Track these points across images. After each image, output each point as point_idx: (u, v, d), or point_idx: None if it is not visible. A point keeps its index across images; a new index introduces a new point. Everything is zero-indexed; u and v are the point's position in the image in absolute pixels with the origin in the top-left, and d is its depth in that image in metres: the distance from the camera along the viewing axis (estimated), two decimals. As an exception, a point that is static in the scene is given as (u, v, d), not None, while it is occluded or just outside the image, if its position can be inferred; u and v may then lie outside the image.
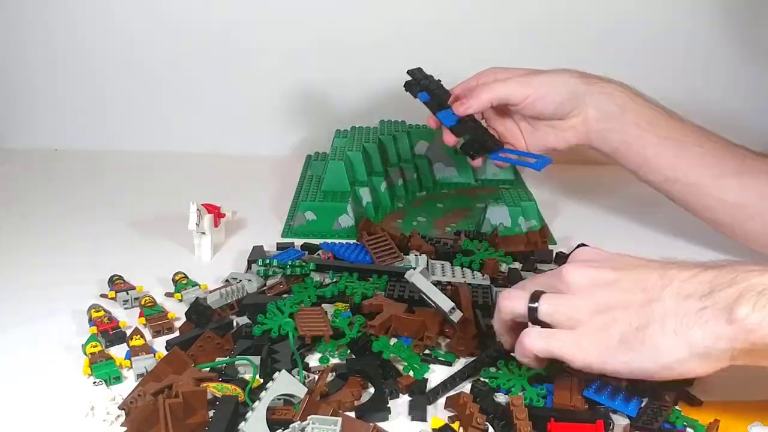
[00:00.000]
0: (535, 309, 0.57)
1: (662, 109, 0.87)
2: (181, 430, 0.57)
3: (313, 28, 1.24)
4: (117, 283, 0.81)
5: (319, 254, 0.87)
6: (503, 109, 0.90)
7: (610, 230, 0.99)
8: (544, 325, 0.57)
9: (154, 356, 0.67)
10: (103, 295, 0.80)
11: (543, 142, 0.89)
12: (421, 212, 1.04)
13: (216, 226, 0.91)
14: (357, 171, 1.02)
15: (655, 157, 0.85)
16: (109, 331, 0.72)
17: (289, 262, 0.81)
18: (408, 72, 0.92)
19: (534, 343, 0.56)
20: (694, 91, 1.16)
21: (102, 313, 0.75)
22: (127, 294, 0.79)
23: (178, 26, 1.25)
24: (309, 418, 0.54)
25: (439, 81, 0.93)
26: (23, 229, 0.99)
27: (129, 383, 0.65)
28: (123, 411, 0.60)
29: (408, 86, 0.92)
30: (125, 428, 0.58)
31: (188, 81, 1.28)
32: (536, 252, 0.88)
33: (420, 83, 0.92)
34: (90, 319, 0.74)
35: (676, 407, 0.62)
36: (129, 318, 0.76)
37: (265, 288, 0.80)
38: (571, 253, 0.65)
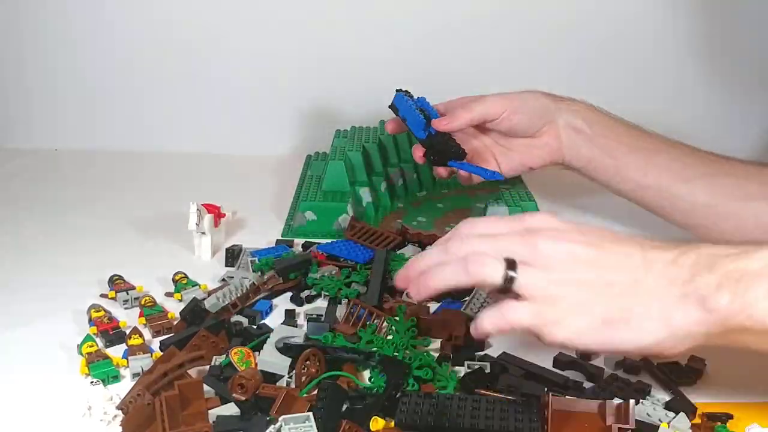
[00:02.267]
0: (512, 279, 0.54)
1: (625, 122, 0.91)
2: (178, 422, 0.57)
3: (314, 28, 1.24)
4: (117, 283, 0.81)
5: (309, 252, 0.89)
6: (478, 130, 0.92)
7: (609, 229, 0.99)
8: (510, 296, 0.55)
9: (151, 356, 0.68)
10: (103, 295, 0.80)
11: (518, 162, 0.92)
12: (421, 212, 1.04)
13: (216, 226, 0.91)
14: (357, 171, 1.02)
15: (625, 167, 0.88)
16: (109, 331, 0.72)
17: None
18: (396, 90, 0.91)
19: (521, 316, 0.54)
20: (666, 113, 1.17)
21: (102, 313, 0.75)
22: (127, 294, 0.79)
23: (178, 27, 1.25)
24: (281, 418, 0.55)
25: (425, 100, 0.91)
26: (23, 229, 0.99)
27: (126, 383, 0.65)
28: (120, 411, 0.60)
29: (393, 106, 0.91)
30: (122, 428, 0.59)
31: (188, 81, 1.28)
32: None
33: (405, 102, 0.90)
34: (90, 319, 0.74)
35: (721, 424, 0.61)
36: (129, 318, 0.76)
37: (263, 283, 0.80)
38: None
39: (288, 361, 0.66)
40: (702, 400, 0.64)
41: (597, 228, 0.58)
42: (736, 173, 0.85)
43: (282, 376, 0.65)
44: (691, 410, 0.62)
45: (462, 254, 0.56)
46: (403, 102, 0.89)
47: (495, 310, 0.55)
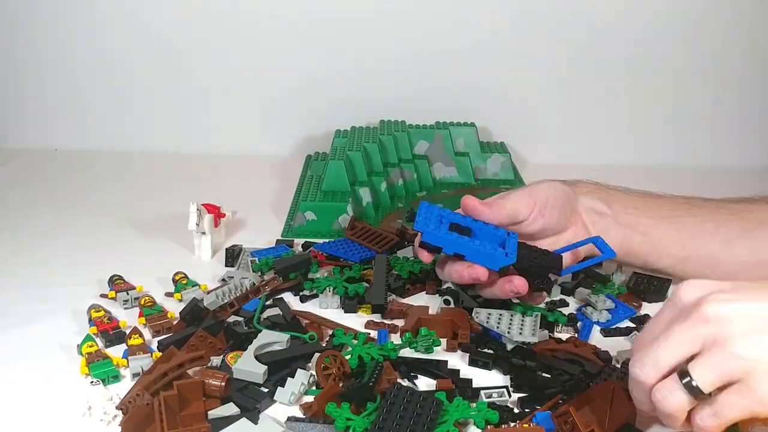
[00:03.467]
0: (695, 387, 0.50)
1: (636, 191, 0.84)
2: (176, 422, 0.57)
3: (314, 28, 1.24)
4: (117, 283, 0.81)
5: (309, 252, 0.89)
6: None
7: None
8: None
9: (151, 356, 0.68)
10: (103, 295, 0.80)
11: None
12: (421, 212, 1.04)
13: (216, 226, 0.91)
14: (357, 171, 1.03)
15: (659, 241, 0.80)
16: (109, 331, 0.72)
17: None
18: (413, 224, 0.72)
19: (709, 425, 0.51)
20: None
21: (102, 313, 0.75)
22: (127, 294, 0.79)
23: (178, 27, 1.25)
24: None
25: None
26: (23, 228, 0.99)
27: (126, 383, 0.65)
28: (120, 411, 0.60)
29: (425, 244, 0.71)
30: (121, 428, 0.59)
31: (188, 81, 1.28)
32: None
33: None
34: (90, 319, 0.74)
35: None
36: (129, 318, 0.76)
37: (262, 283, 0.80)
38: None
39: (263, 368, 0.64)
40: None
41: (740, 281, 0.55)
42: None
43: (259, 384, 0.65)
44: None
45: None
46: (437, 232, 0.69)
47: (708, 411, 0.51)
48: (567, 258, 0.75)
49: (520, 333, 0.70)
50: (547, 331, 0.73)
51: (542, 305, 0.78)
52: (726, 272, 0.78)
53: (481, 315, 0.73)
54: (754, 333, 0.50)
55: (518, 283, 0.71)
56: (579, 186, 0.82)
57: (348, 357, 0.66)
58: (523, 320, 0.72)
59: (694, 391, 0.50)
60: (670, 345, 0.52)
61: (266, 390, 0.64)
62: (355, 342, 0.69)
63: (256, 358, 0.66)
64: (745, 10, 1.23)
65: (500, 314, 0.73)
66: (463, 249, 0.69)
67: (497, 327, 0.71)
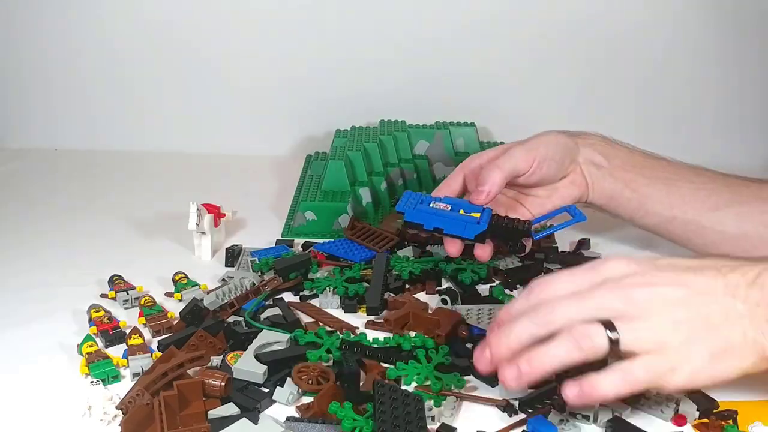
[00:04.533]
0: (618, 341, 0.53)
1: (642, 151, 0.87)
2: (176, 422, 0.57)
3: (314, 28, 1.24)
4: (117, 283, 0.81)
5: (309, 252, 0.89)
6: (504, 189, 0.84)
7: (609, 229, 0.99)
8: (611, 358, 0.54)
9: (151, 356, 0.68)
10: (103, 295, 0.80)
11: (551, 206, 0.85)
12: (421, 212, 1.04)
13: (216, 226, 0.91)
14: (357, 171, 1.02)
15: (648, 199, 0.84)
16: (109, 331, 0.72)
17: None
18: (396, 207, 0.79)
19: (638, 376, 0.54)
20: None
21: (102, 313, 0.75)
22: (127, 294, 0.79)
23: (178, 27, 1.25)
24: None
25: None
26: (23, 229, 0.99)
27: (127, 382, 0.65)
28: (120, 411, 0.60)
29: (409, 223, 0.78)
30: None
31: (188, 81, 1.28)
32: (542, 250, 0.89)
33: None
34: (90, 319, 0.74)
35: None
36: (129, 318, 0.76)
37: (262, 283, 0.80)
38: (594, 260, 0.62)
39: (263, 368, 0.65)
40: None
41: (667, 259, 0.59)
42: (765, 197, 0.82)
43: (259, 384, 0.65)
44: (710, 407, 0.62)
45: (559, 324, 0.55)
46: (417, 209, 0.77)
47: (611, 373, 0.54)
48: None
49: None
50: None
51: None
52: (710, 240, 0.83)
53: (461, 311, 0.75)
54: (672, 319, 0.54)
55: (479, 250, 0.77)
56: (584, 137, 0.87)
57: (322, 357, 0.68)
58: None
59: (613, 345, 0.53)
60: (595, 302, 0.55)
61: (266, 390, 0.64)
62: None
63: (256, 357, 0.66)
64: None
65: (479, 308, 0.76)
66: (440, 223, 0.76)
67: (478, 323, 0.74)
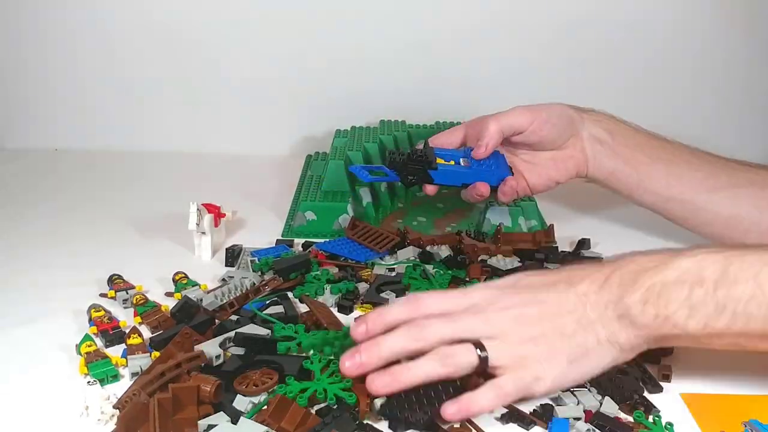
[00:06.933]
0: (486, 359, 0.58)
1: (646, 131, 0.90)
2: (169, 425, 0.57)
3: (314, 28, 1.24)
4: (117, 282, 0.81)
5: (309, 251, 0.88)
6: (504, 147, 0.90)
7: (609, 228, 1.00)
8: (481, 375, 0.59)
9: (150, 355, 0.68)
10: (103, 295, 0.80)
11: (546, 177, 0.90)
12: (421, 212, 1.04)
13: (216, 226, 0.91)
14: (357, 171, 1.02)
15: (647, 178, 0.87)
16: (109, 331, 0.72)
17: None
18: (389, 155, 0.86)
19: (508, 389, 0.58)
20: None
21: (102, 312, 0.75)
22: (127, 293, 0.79)
23: (178, 26, 1.25)
24: None
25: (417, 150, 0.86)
26: (23, 228, 0.99)
27: (126, 382, 0.65)
28: (118, 410, 0.60)
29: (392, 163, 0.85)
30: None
31: (188, 81, 1.28)
32: (542, 250, 0.89)
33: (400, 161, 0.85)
34: (90, 319, 0.74)
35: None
36: (129, 318, 0.76)
37: (262, 283, 0.80)
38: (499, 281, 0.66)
39: (219, 351, 0.66)
40: (701, 391, 0.65)
41: (522, 278, 0.64)
42: (760, 182, 0.84)
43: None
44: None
45: (430, 341, 0.59)
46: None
47: (485, 390, 0.58)
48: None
49: None
50: None
51: None
52: (704, 220, 0.86)
53: None
54: (529, 338, 0.59)
55: (480, 189, 0.85)
56: (591, 114, 0.90)
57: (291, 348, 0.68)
58: None
59: (483, 362, 0.58)
60: (462, 325, 0.60)
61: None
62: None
63: (231, 340, 0.68)
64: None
65: None
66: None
67: None
